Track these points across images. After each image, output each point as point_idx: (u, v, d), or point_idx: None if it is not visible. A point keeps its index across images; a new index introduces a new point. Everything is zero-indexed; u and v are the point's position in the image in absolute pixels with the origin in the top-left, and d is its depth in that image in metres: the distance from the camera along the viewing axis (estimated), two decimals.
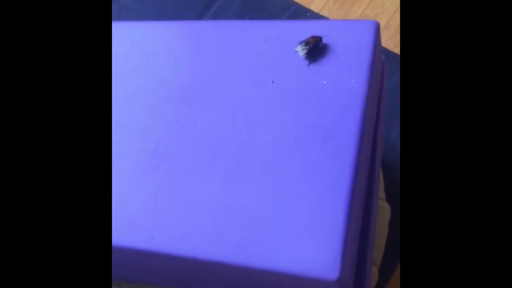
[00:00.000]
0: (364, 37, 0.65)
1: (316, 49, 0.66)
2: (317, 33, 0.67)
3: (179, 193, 0.61)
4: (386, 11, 1.08)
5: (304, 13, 1.11)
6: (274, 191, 0.58)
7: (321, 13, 1.11)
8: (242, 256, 0.56)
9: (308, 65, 0.65)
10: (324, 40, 0.66)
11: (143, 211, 0.61)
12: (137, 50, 0.74)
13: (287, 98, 0.64)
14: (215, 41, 0.72)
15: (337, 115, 0.61)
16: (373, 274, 0.74)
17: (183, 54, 0.73)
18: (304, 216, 0.56)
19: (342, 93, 0.63)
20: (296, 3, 1.12)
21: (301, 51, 0.65)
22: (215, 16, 1.13)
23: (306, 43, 0.65)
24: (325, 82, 0.64)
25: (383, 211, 0.81)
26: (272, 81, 0.66)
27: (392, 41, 1.04)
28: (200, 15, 1.14)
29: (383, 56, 0.74)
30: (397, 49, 1.02)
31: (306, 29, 0.68)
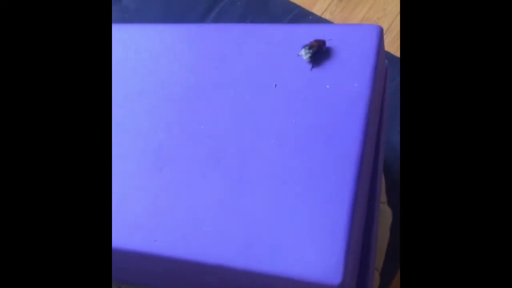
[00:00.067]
0: (367, 41, 0.65)
1: (319, 53, 0.66)
2: (320, 37, 0.67)
3: (182, 196, 0.61)
4: (388, 15, 1.09)
5: (306, 16, 1.11)
6: (277, 195, 0.58)
7: (323, 16, 1.11)
8: (245, 259, 0.56)
9: (311, 69, 0.66)
10: (327, 44, 0.66)
11: (145, 213, 0.61)
12: (140, 52, 0.74)
13: (290, 102, 0.64)
14: (218, 44, 0.72)
15: (340, 119, 0.61)
16: (374, 278, 0.74)
17: (186, 57, 0.73)
18: (307, 220, 0.56)
19: (345, 97, 0.63)
20: (299, 6, 1.12)
21: (304, 54, 0.65)
22: (217, 18, 1.13)
23: (310, 47, 0.65)
24: (328, 86, 0.64)
25: (385, 215, 0.81)
26: (275, 85, 0.66)
27: (394, 45, 1.04)
28: (202, 17, 1.14)
29: (386, 61, 0.74)
30: (399, 53, 1.03)
31: (309, 33, 0.68)
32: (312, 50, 0.65)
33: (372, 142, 0.66)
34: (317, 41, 0.66)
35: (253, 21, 1.11)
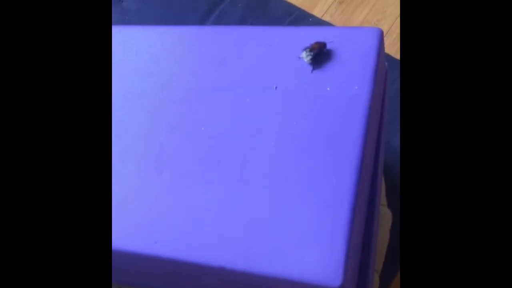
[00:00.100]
0: (368, 44, 0.66)
1: (320, 55, 0.66)
2: (320, 39, 0.67)
3: (182, 197, 0.61)
4: (388, 17, 1.09)
5: (306, 18, 1.11)
6: (277, 197, 0.58)
7: (323, 18, 1.11)
8: (245, 261, 0.56)
9: (312, 71, 0.66)
10: (328, 46, 0.66)
11: (145, 215, 0.61)
12: (140, 54, 0.74)
13: (290, 104, 0.64)
14: (218, 47, 0.72)
15: (341, 122, 0.61)
16: (374, 280, 0.74)
17: (187, 59, 0.73)
18: (307, 222, 0.56)
19: (345, 100, 0.63)
20: (299, 8, 1.13)
21: (305, 57, 0.65)
22: (217, 20, 1.13)
23: (311, 49, 0.66)
24: (328, 89, 0.64)
25: (384, 217, 0.81)
26: (276, 87, 0.66)
27: (394, 47, 1.05)
28: (202, 19, 1.14)
29: (386, 63, 0.74)
30: (398, 55, 1.03)
31: (309, 35, 0.68)
32: (313, 52, 0.65)
33: (372, 144, 0.66)
34: (318, 43, 0.66)
35: (253, 23, 1.12)
